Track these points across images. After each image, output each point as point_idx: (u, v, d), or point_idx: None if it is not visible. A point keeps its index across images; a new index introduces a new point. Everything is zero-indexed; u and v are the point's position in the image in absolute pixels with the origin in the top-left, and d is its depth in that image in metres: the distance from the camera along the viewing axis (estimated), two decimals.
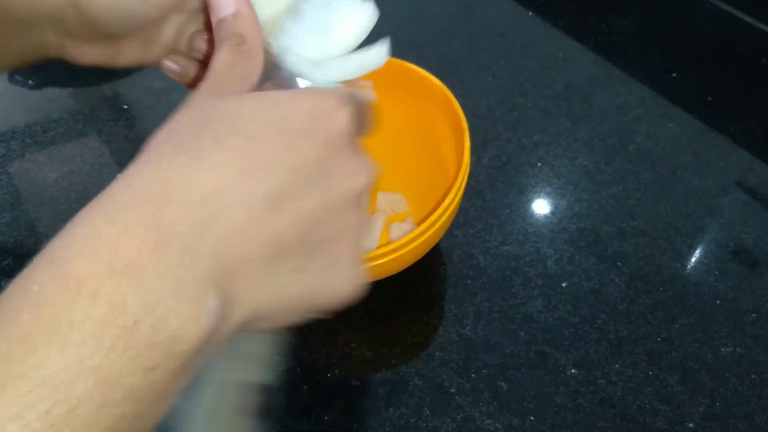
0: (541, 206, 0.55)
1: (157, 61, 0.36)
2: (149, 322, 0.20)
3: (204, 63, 0.36)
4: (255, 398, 0.32)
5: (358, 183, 0.26)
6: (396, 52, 0.49)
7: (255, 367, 0.32)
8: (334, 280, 0.27)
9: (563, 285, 0.50)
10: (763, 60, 0.66)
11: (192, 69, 0.36)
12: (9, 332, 0.19)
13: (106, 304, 0.20)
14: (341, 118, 0.26)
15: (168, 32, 0.35)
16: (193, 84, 0.37)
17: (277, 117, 0.24)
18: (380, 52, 0.33)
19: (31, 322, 0.19)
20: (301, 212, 0.24)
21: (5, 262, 0.54)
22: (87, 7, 0.30)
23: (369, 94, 0.30)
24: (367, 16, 0.33)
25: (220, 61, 0.28)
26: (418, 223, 0.42)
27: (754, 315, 0.47)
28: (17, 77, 0.71)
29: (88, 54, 0.34)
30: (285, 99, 0.26)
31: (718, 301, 0.48)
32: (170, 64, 0.36)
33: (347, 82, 0.34)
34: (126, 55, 0.35)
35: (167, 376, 0.21)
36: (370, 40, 0.34)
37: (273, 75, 0.33)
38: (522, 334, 0.47)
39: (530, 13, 0.73)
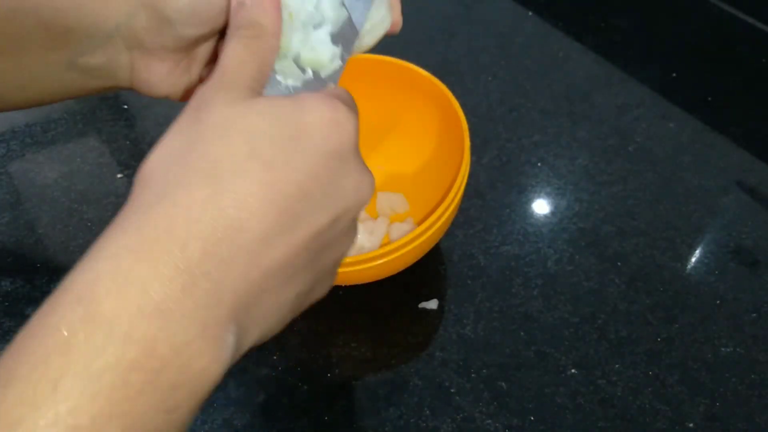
0: (541, 206, 0.55)
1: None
2: (176, 363, 0.20)
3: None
4: None
5: (363, 198, 0.26)
6: (396, 52, 0.49)
7: None
8: (322, 289, 0.27)
9: (563, 285, 0.50)
10: (763, 60, 0.66)
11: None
12: (39, 377, 0.18)
13: (137, 347, 0.19)
14: (350, 129, 0.25)
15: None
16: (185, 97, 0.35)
17: (291, 134, 0.24)
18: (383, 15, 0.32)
19: (63, 368, 0.19)
20: (313, 236, 0.24)
21: (5, 262, 0.54)
22: (161, 6, 0.29)
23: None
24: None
25: (231, 55, 0.26)
26: (418, 223, 0.42)
27: (754, 315, 0.47)
28: None
29: (158, 72, 0.32)
30: (297, 112, 0.25)
31: (718, 301, 0.48)
32: None
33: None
34: (192, 70, 0.33)
35: (186, 414, 0.21)
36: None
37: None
38: (522, 334, 0.47)
39: (530, 13, 0.73)
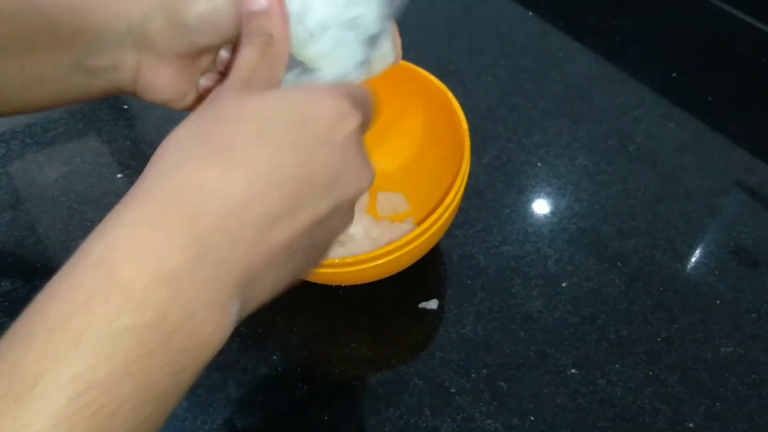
0: (541, 206, 0.55)
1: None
2: (185, 329, 0.21)
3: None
4: None
5: (363, 186, 0.28)
6: None
7: None
8: (313, 265, 0.29)
9: (563, 285, 0.50)
10: (763, 60, 0.66)
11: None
12: (61, 335, 0.20)
13: (152, 311, 0.21)
14: (354, 123, 0.27)
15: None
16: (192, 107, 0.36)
17: (298, 121, 0.25)
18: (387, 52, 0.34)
19: (82, 327, 0.20)
20: (315, 219, 0.25)
21: (5, 262, 0.54)
22: (179, 11, 0.30)
23: (368, 89, 0.30)
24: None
25: (246, 59, 0.28)
26: (418, 223, 0.42)
27: (754, 315, 0.47)
28: None
29: (163, 77, 0.32)
30: (305, 101, 0.26)
31: (718, 301, 0.48)
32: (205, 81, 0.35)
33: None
34: (193, 78, 0.34)
35: (191, 377, 0.22)
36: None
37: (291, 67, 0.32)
38: (522, 334, 0.47)
39: (530, 13, 0.73)
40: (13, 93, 0.32)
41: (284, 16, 0.30)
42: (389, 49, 0.35)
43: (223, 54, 0.34)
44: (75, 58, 0.31)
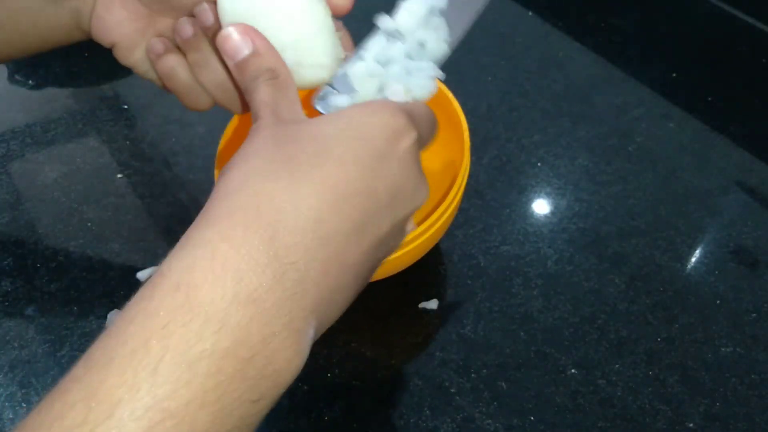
0: (541, 206, 0.55)
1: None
2: (263, 354, 0.21)
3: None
4: None
5: (419, 202, 0.27)
6: None
7: None
8: (363, 286, 0.28)
9: (563, 285, 0.50)
10: (763, 60, 0.66)
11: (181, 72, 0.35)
12: (140, 361, 0.19)
13: (231, 335, 0.20)
14: (412, 137, 0.27)
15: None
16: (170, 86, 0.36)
17: (357, 137, 0.25)
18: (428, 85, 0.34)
19: (161, 352, 0.19)
20: (379, 237, 0.25)
21: (5, 262, 0.54)
22: None
23: (427, 106, 0.31)
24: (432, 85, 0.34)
25: (264, 95, 0.28)
26: (418, 223, 0.42)
27: (754, 315, 0.47)
28: (17, 77, 0.71)
29: (116, 15, 0.33)
30: (360, 118, 0.26)
31: (718, 301, 0.48)
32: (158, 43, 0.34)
33: None
34: (146, 33, 0.34)
35: (268, 404, 0.22)
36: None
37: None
38: (522, 334, 0.47)
39: (530, 13, 0.73)
40: None
41: (273, 49, 0.30)
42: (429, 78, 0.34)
43: (184, 25, 0.34)
44: None
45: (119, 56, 0.35)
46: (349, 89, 0.32)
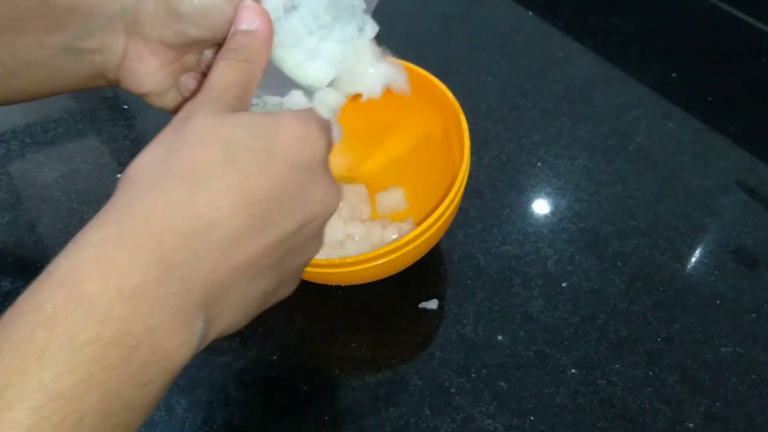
0: (541, 206, 0.55)
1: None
2: (149, 342, 0.22)
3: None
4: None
5: (329, 209, 0.28)
6: (396, 52, 0.49)
7: None
8: (286, 290, 0.29)
9: (563, 285, 0.50)
10: (763, 60, 0.66)
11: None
12: (26, 348, 0.20)
13: (115, 325, 0.21)
14: (321, 147, 0.28)
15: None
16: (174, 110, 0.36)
17: (266, 146, 0.26)
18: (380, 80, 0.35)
19: (47, 340, 0.20)
20: (280, 239, 0.26)
21: (5, 262, 0.54)
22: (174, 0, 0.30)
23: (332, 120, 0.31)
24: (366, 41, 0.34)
25: (218, 75, 0.28)
26: (418, 223, 0.42)
27: (754, 315, 0.47)
28: None
29: (148, 66, 0.33)
30: (273, 126, 0.27)
31: (718, 301, 0.48)
32: (190, 80, 0.35)
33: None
34: (177, 74, 0.34)
35: (157, 389, 0.23)
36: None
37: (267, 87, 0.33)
38: (522, 334, 0.47)
39: (530, 13, 0.73)
40: (0, 78, 0.32)
41: (270, 41, 0.30)
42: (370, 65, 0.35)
43: (208, 54, 0.34)
44: (65, 39, 0.31)
45: (152, 102, 0.35)
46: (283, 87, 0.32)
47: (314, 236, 0.28)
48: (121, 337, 0.21)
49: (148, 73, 0.33)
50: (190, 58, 0.34)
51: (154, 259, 0.22)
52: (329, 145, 0.29)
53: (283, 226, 0.26)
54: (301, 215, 0.27)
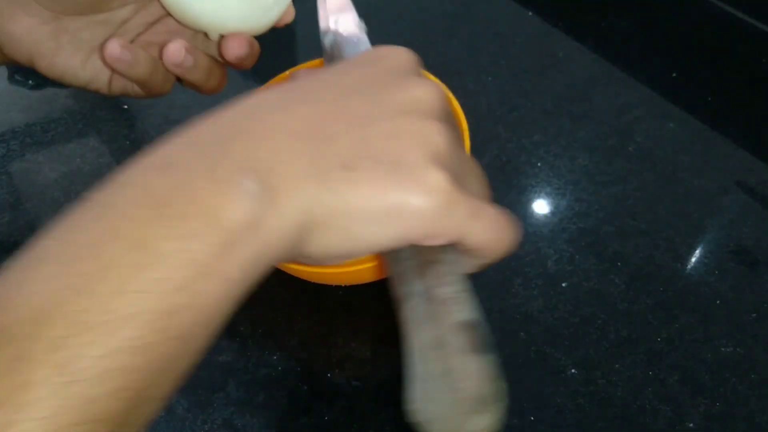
0: (541, 206, 0.55)
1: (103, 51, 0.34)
2: (185, 197, 0.21)
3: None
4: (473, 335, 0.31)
5: (415, 93, 0.26)
6: None
7: (458, 308, 0.30)
8: (412, 189, 0.24)
9: (563, 285, 0.50)
10: (763, 60, 0.66)
11: (142, 60, 0.34)
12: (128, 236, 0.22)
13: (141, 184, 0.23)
14: (402, 57, 0.27)
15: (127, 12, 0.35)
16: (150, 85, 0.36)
17: (369, 59, 0.27)
18: None
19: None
20: (345, 107, 0.24)
21: (5, 262, 0.54)
22: None
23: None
24: None
25: None
26: None
27: (754, 315, 0.47)
28: (17, 77, 0.71)
29: (23, 25, 0.32)
30: (370, 51, 0.29)
31: (718, 301, 0.48)
32: (122, 51, 0.33)
33: None
34: (60, 38, 0.33)
35: (235, 257, 0.21)
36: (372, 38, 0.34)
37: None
38: (522, 334, 0.47)
39: (530, 13, 0.73)
40: None
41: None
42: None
43: (139, 20, 0.35)
44: None
45: (43, 69, 0.34)
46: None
47: (405, 118, 0.25)
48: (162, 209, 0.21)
49: (25, 32, 0.32)
50: (74, 23, 0.33)
51: (189, 138, 0.24)
52: (415, 62, 0.29)
53: (349, 98, 0.24)
54: (370, 93, 0.25)
